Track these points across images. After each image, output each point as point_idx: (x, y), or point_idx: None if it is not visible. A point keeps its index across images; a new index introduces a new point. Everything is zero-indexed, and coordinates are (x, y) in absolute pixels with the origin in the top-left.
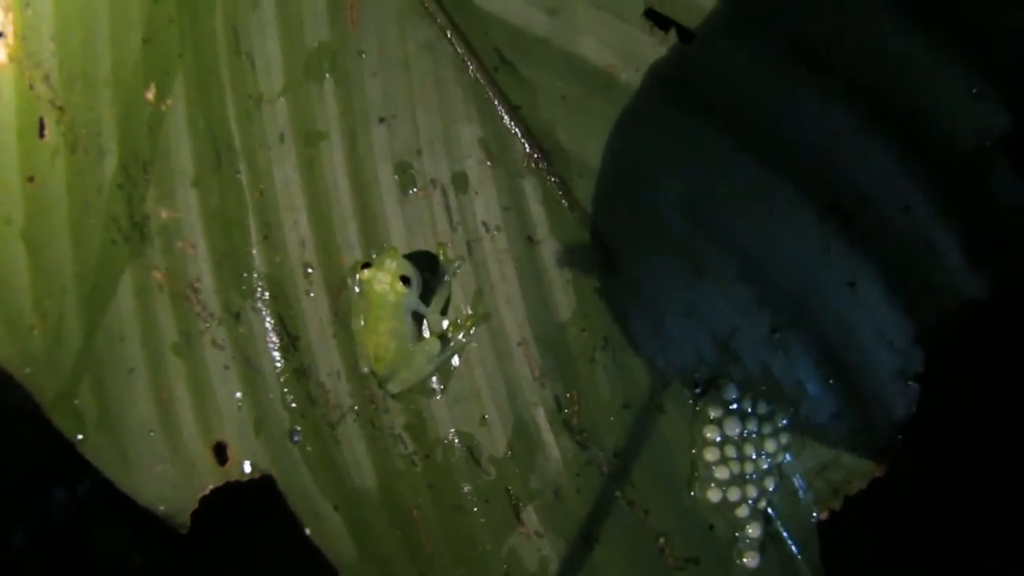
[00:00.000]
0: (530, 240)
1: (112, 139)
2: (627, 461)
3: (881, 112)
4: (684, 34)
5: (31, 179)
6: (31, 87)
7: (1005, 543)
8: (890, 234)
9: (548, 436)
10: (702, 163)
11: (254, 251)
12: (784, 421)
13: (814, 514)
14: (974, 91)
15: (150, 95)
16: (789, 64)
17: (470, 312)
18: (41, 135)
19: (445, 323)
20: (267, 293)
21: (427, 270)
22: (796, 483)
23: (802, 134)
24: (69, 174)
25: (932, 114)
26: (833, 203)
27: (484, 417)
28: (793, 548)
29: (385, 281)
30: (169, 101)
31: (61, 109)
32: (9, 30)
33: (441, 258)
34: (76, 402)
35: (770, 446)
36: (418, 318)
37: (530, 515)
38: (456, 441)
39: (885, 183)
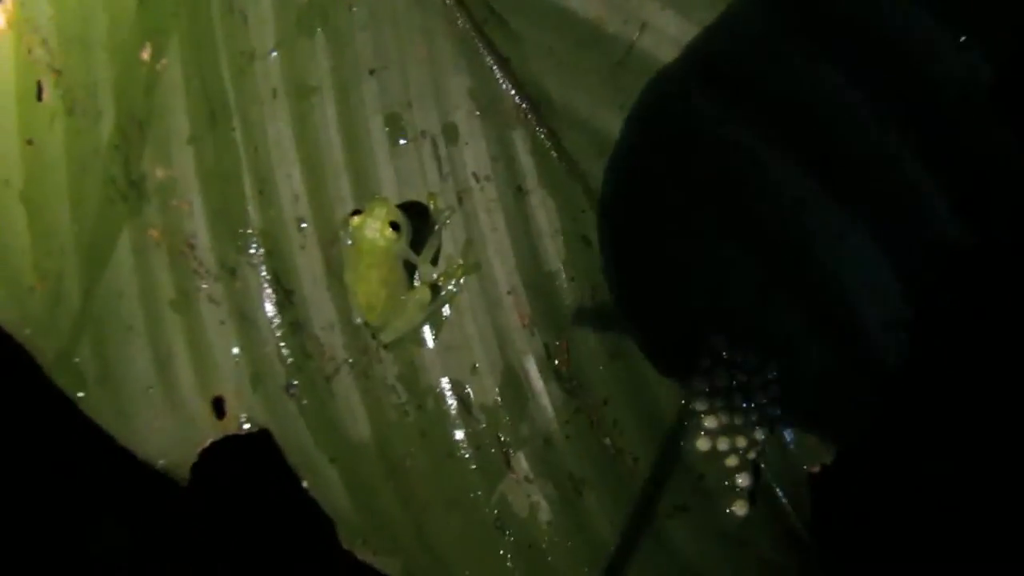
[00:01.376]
0: (520, 190)
1: (108, 100)
2: (616, 410)
3: (867, 63)
4: None
5: (30, 142)
6: (29, 52)
7: (999, 500)
8: (877, 185)
9: (538, 384)
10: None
11: (248, 207)
12: (773, 373)
13: (805, 466)
14: (961, 40)
15: (145, 55)
16: (774, 23)
17: (460, 262)
18: (39, 98)
19: (436, 273)
20: (262, 248)
21: (418, 220)
22: (787, 435)
23: (789, 90)
24: (67, 136)
25: (918, 64)
26: (820, 156)
27: (475, 366)
28: (783, 499)
29: (375, 227)
30: (164, 60)
31: (58, 72)
32: None
33: (432, 208)
34: (76, 360)
35: (760, 398)
36: (410, 268)
37: (520, 461)
38: (448, 390)
39: (871, 134)
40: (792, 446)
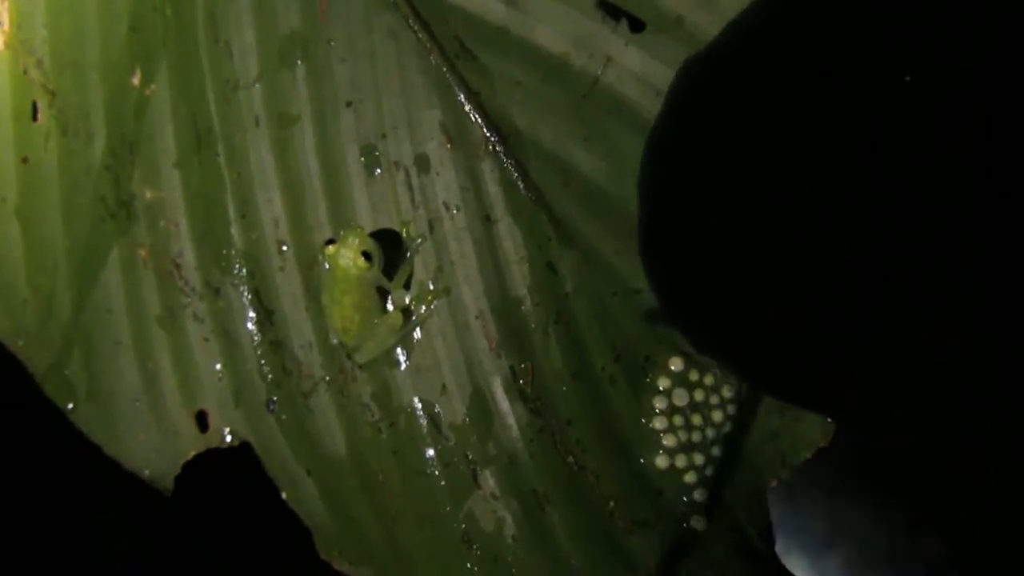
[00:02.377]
0: (488, 219)
1: (100, 122)
2: (579, 429)
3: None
4: (635, 24)
5: (25, 160)
6: (25, 72)
7: (953, 513)
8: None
9: (504, 404)
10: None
11: (232, 229)
12: (731, 393)
13: (761, 483)
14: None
15: (136, 80)
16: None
17: (431, 287)
18: (34, 118)
19: (407, 297)
20: (244, 269)
21: (391, 247)
22: (744, 452)
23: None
24: (60, 155)
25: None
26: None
27: (444, 386)
28: (741, 515)
29: (348, 256)
30: (153, 86)
31: (53, 93)
32: (5, 18)
33: (404, 236)
34: (66, 373)
35: (717, 416)
36: (383, 293)
37: (487, 479)
38: (419, 409)
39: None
40: (748, 461)
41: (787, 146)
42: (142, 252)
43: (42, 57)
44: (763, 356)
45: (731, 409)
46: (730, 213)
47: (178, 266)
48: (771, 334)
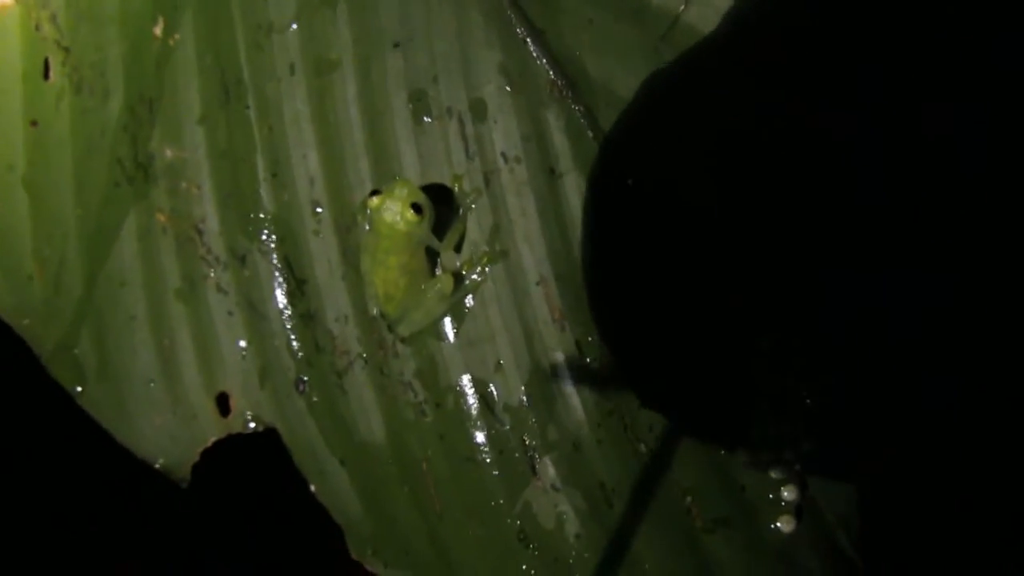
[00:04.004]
0: (552, 172)
1: (118, 78)
2: (652, 413)
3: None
4: None
5: (34, 123)
6: (37, 28)
7: None
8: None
9: (568, 384)
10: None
11: (261, 190)
12: (827, 377)
13: (853, 483)
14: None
15: (158, 30)
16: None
17: (486, 249)
18: (46, 77)
19: (459, 260)
20: (274, 235)
21: (442, 204)
22: (834, 448)
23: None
24: (73, 116)
25: None
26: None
27: (499, 362)
28: (831, 518)
29: (395, 209)
30: (177, 35)
31: (67, 50)
32: None
33: (456, 191)
34: (75, 352)
35: (809, 405)
36: (431, 255)
37: (547, 468)
38: (469, 388)
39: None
40: (841, 460)
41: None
42: (161, 218)
43: (56, 11)
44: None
45: (825, 400)
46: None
47: (200, 232)
48: None
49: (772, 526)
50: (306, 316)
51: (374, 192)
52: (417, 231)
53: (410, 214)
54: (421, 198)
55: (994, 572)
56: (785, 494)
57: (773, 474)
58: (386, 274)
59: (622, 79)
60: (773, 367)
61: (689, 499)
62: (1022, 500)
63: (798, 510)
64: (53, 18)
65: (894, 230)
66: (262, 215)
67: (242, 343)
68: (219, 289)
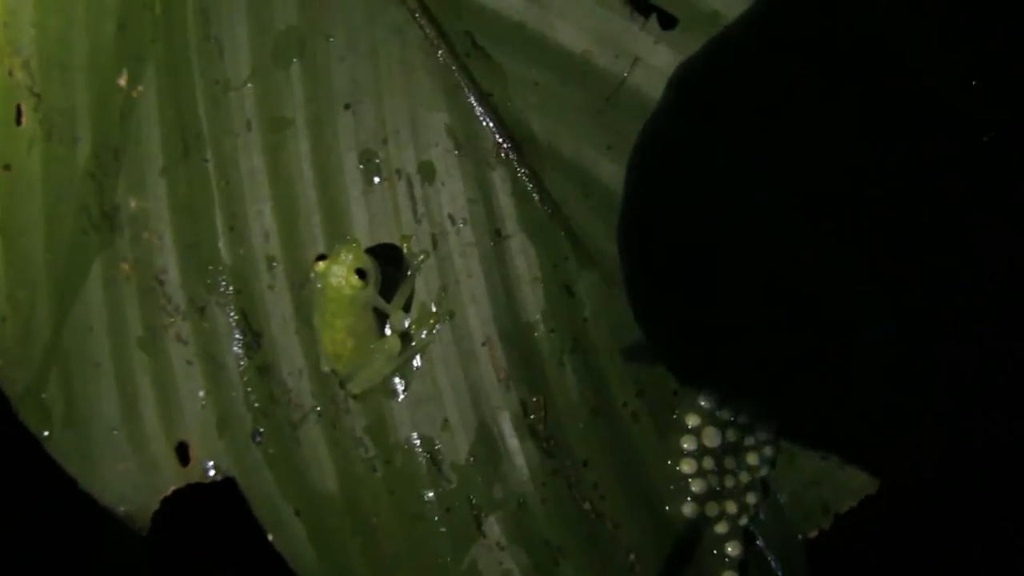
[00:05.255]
0: (498, 234)
1: (86, 126)
2: (596, 472)
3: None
4: (665, 20)
5: (8, 167)
6: (10, 74)
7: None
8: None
9: (513, 442)
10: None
11: (219, 243)
12: (767, 433)
13: (800, 533)
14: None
15: (122, 81)
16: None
17: (434, 309)
18: (18, 123)
19: (407, 321)
20: (231, 287)
21: (390, 264)
22: (781, 499)
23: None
24: (44, 162)
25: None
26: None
27: (446, 421)
28: (777, 568)
29: (340, 274)
30: (140, 87)
31: (38, 96)
32: None
33: (405, 252)
34: (43, 396)
35: (752, 459)
36: (380, 315)
37: (492, 526)
38: (417, 446)
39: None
40: (787, 510)
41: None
42: (125, 267)
43: (28, 57)
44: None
45: (768, 451)
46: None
47: (161, 282)
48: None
49: None
50: (262, 369)
51: (321, 256)
52: (362, 295)
53: (355, 279)
54: (366, 263)
55: None
56: (729, 550)
57: (718, 529)
58: (334, 335)
59: (568, 141)
60: (715, 421)
61: (633, 556)
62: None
63: (742, 565)
64: (26, 65)
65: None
66: (220, 267)
67: (201, 393)
68: (179, 339)
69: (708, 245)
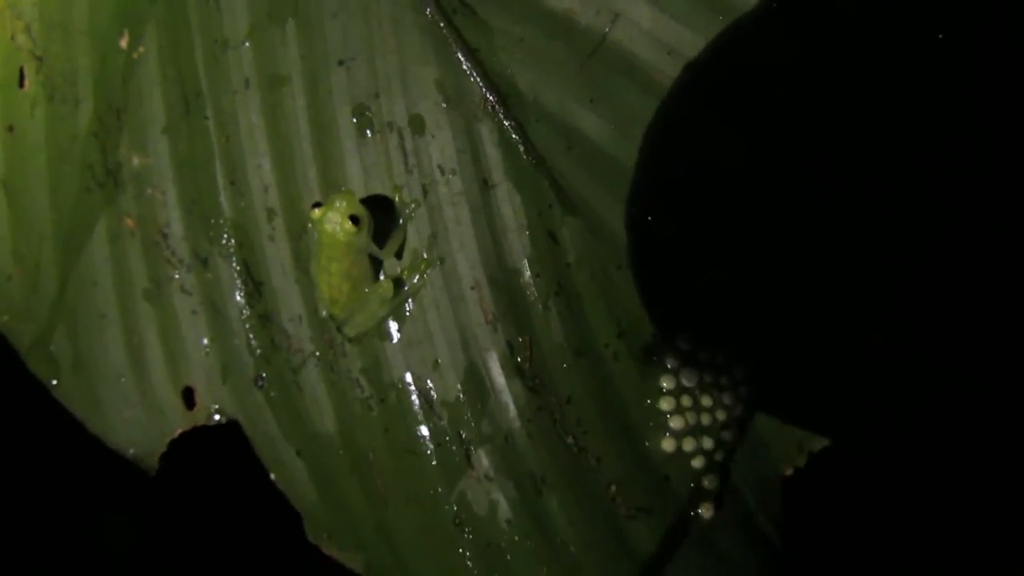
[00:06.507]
0: (485, 184)
1: (88, 88)
2: (579, 408)
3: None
4: None
5: (11, 128)
6: (12, 38)
7: (978, 511)
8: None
9: (500, 381)
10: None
11: (221, 197)
12: (744, 373)
13: (775, 470)
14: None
15: (123, 43)
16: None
17: (424, 255)
18: (21, 85)
19: (400, 266)
20: (233, 239)
21: (383, 213)
22: (757, 437)
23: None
24: (47, 123)
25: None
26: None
27: (437, 361)
28: (752, 503)
29: (335, 221)
30: (141, 49)
31: (40, 59)
32: None
33: (397, 202)
34: (51, 348)
35: (728, 398)
36: (374, 261)
37: (481, 459)
38: (411, 385)
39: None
40: (762, 447)
41: (816, 120)
42: (129, 222)
43: (31, 21)
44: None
45: (744, 391)
46: (746, 183)
47: (165, 236)
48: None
49: (692, 513)
50: (263, 316)
51: (316, 204)
52: (356, 241)
53: (348, 225)
54: (359, 210)
55: (909, 552)
56: (706, 483)
57: (695, 463)
58: (330, 280)
59: (552, 95)
60: (695, 361)
61: (613, 488)
62: (927, 484)
63: (718, 498)
64: (28, 29)
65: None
66: (222, 221)
67: (205, 341)
68: (183, 290)
69: (710, 216)
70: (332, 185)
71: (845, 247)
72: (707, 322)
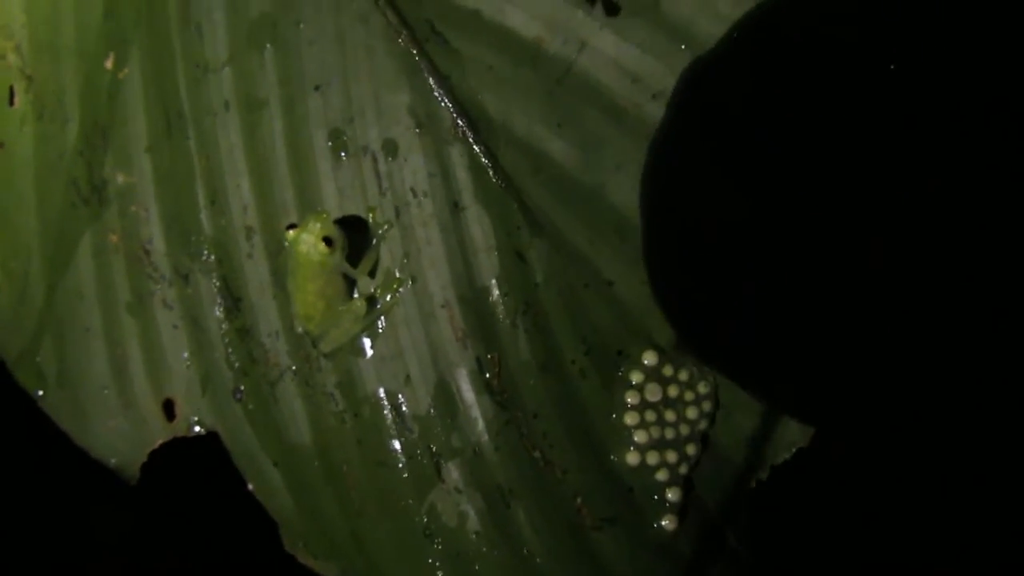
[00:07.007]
0: (456, 206)
1: (75, 107)
2: (546, 423)
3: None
4: (610, 7)
5: (1, 145)
6: (3, 57)
7: (937, 518)
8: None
9: (469, 396)
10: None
11: (201, 215)
12: (706, 389)
13: (738, 483)
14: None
15: (109, 64)
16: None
17: (397, 275)
18: (11, 103)
19: (373, 285)
20: (213, 256)
21: (357, 233)
22: (720, 451)
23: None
24: (36, 140)
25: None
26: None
27: (408, 376)
28: (716, 515)
29: (309, 242)
30: (126, 70)
31: (30, 78)
32: None
33: (371, 222)
34: (38, 360)
35: (691, 412)
36: (348, 280)
37: (451, 472)
38: (383, 399)
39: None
40: (725, 461)
41: (792, 147)
42: (113, 238)
43: (20, 41)
44: (747, 357)
45: (707, 406)
46: (730, 213)
47: (148, 252)
48: (759, 334)
49: (656, 525)
50: (242, 331)
51: (291, 226)
52: (329, 261)
53: (322, 247)
54: (333, 232)
55: (873, 562)
56: (670, 495)
57: (659, 476)
58: (305, 298)
59: (521, 120)
60: (657, 378)
61: (579, 500)
62: (892, 494)
63: (682, 509)
64: (18, 48)
65: None
66: (202, 238)
67: (185, 354)
68: (165, 305)
69: (703, 241)
70: (309, 205)
71: (823, 266)
72: (672, 338)
